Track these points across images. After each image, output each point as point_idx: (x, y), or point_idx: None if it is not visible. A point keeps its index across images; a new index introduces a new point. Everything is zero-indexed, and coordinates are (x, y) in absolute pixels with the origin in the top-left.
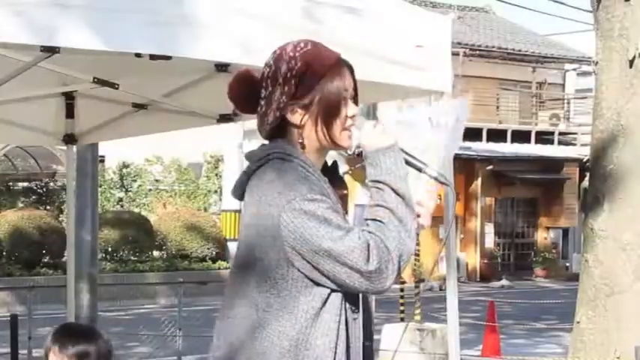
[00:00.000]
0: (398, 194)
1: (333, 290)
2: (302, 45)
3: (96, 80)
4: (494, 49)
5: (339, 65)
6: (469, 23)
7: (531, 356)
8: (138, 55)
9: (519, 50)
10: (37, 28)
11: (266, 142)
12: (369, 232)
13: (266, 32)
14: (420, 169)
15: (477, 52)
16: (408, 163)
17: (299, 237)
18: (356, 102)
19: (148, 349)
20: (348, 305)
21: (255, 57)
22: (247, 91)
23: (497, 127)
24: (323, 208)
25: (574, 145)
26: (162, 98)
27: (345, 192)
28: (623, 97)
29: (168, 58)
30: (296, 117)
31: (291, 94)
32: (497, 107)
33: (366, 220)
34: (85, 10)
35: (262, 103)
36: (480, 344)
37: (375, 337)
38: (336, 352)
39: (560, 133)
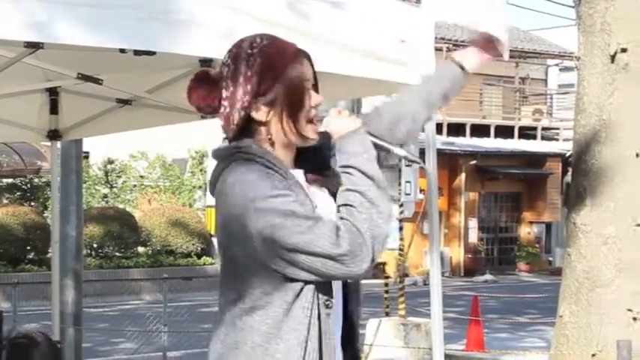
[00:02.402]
0: (367, 176)
1: (305, 283)
2: (258, 40)
3: (80, 76)
4: None
5: (298, 56)
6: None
7: (515, 350)
8: (122, 50)
9: None
10: (20, 24)
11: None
12: (340, 218)
13: (250, 27)
14: (388, 150)
15: (461, 47)
16: (376, 145)
17: (267, 236)
18: (316, 91)
19: (133, 344)
20: (321, 300)
21: None
22: (208, 93)
23: (481, 122)
24: (287, 202)
25: (557, 140)
26: (147, 94)
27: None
28: (605, 92)
29: (153, 53)
30: (261, 114)
31: (254, 92)
32: (481, 102)
33: (338, 207)
34: (69, 5)
35: (225, 103)
36: (464, 338)
37: (360, 331)
38: (306, 348)
39: (543, 129)
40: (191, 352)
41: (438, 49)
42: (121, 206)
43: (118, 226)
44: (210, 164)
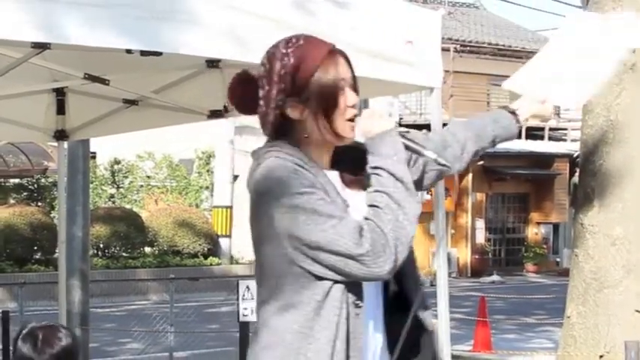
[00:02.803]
0: (396, 178)
1: (334, 283)
2: (294, 40)
3: (87, 76)
4: (484, 45)
5: (333, 55)
6: (459, 19)
7: (522, 351)
8: (129, 51)
9: (509, 46)
10: (27, 24)
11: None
12: (365, 218)
13: (257, 28)
14: (419, 153)
15: (468, 47)
16: (407, 147)
17: (292, 233)
18: (355, 90)
19: (140, 345)
20: (350, 300)
21: (246, 53)
22: (247, 92)
23: None
24: (312, 200)
25: (564, 140)
26: (153, 94)
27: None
28: (613, 92)
29: (159, 54)
30: (295, 113)
31: (288, 91)
32: (488, 103)
33: (367, 207)
34: (75, 6)
35: (261, 102)
36: (471, 339)
37: None
38: (334, 347)
39: (551, 129)
40: (198, 352)
41: (444, 50)
42: (127, 206)
43: (124, 226)
44: (217, 165)
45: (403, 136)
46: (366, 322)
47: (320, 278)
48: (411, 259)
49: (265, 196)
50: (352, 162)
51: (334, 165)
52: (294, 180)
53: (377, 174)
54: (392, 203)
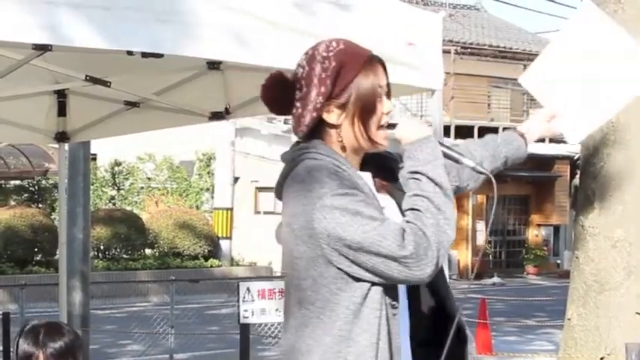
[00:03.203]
0: (436, 183)
1: (372, 285)
2: (334, 44)
3: (88, 78)
4: (485, 47)
5: (372, 62)
6: (460, 21)
7: (523, 353)
8: (130, 52)
9: (510, 48)
10: (28, 26)
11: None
12: (407, 221)
13: (258, 29)
14: (457, 161)
15: (469, 49)
16: (445, 155)
17: (332, 233)
18: (389, 98)
19: (141, 346)
20: (387, 301)
21: (247, 54)
22: (280, 93)
23: (489, 125)
24: (355, 202)
25: (565, 142)
26: (154, 96)
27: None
28: None
29: (160, 55)
30: (332, 117)
31: (327, 94)
32: (489, 105)
33: (405, 210)
34: (76, 7)
35: (298, 104)
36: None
37: None
38: (378, 348)
39: None
40: (198, 354)
41: (445, 52)
42: (128, 208)
43: (125, 228)
44: (218, 167)
45: (441, 144)
46: (400, 323)
47: (357, 280)
48: None
49: (304, 197)
50: (377, 168)
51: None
52: (335, 180)
53: (416, 178)
54: (432, 207)
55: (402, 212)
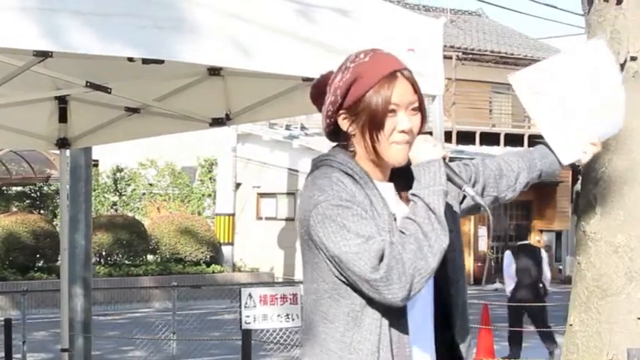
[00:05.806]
0: (429, 208)
1: None
2: (362, 56)
3: (89, 84)
4: (486, 53)
5: (393, 77)
6: (462, 27)
7: (525, 358)
8: (130, 59)
9: (512, 54)
10: (29, 33)
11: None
12: (391, 243)
13: (259, 36)
14: (460, 187)
15: (470, 55)
16: (450, 179)
17: (322, 241)
18: (422, 114)
19: (143, 352)
20: (393, 309)
21: (248, 61)
22: (317, 93)
23: (490, 131)
24: (346, 215)
25: None
26: (155, 102)
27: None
28: None
29: (161, 62)
30: (344, 125)
31: (338, 104)
32: (490, 110)
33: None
34: (77, 14)
35: (324, 107)
36: (474, 347)
37: None
38: (378, 357)
39: None
40: None
41: (447, 57)
42: (130, 214)
43: (127, 234)
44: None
45: (448, 168)
46: (414, 332)
47: (354, 288)
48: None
49: (307, 203)
50: (405, 181)
51: (395, 178)
52: (333, 191)
53: (414, 201)
54: (419, 233)
55: None
